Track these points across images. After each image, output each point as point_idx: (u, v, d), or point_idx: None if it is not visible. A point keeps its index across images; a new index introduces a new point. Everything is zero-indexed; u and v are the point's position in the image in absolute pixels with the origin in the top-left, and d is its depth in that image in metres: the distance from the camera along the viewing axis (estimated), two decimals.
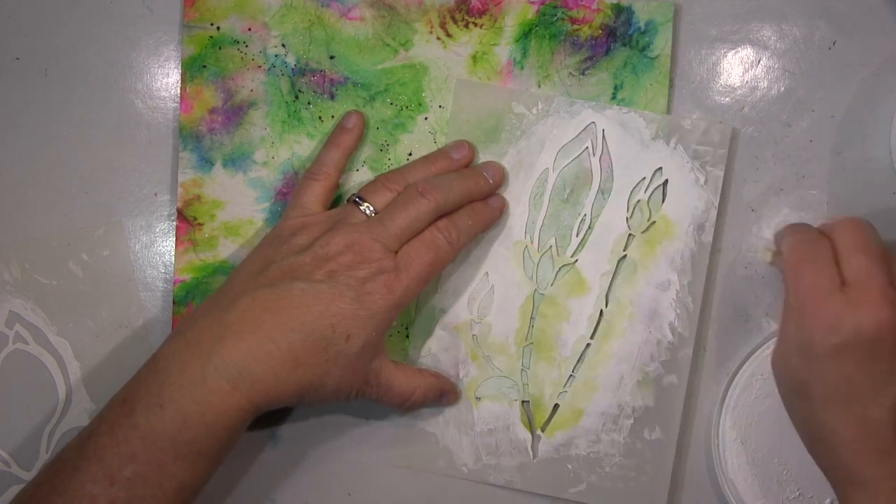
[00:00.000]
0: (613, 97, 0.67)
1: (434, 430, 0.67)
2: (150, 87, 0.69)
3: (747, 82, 0.67)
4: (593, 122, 0.67)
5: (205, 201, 0.68)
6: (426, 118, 0.67)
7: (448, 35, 0.68)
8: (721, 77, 0.67)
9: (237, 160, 0.68)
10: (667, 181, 0.66)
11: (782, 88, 0.67)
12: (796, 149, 0.67)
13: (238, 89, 0.68)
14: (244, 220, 0.68)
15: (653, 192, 0.66)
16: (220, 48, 0.68)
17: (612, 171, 0.67)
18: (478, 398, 0.67)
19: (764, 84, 0.67)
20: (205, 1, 0.68)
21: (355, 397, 0.61)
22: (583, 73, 0.67)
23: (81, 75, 0.69)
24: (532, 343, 0.67)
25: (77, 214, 0.68)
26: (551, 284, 0.67)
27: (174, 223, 0.68)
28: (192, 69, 0.68)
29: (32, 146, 0.68)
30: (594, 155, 0.67)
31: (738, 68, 0.67)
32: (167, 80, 0.69)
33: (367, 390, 0.61)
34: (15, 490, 0.67)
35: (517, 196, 0.67)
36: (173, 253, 0.68)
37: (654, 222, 0.66)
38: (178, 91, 0.68)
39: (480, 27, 0.67)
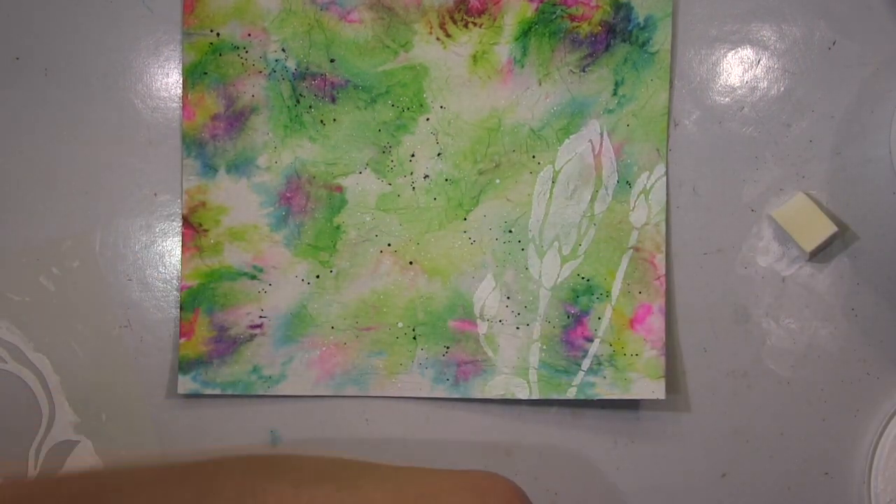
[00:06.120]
0: (614, 93, 0.67)
1: None
2: (150, 87, 0.69)
3: (747, 82, 0.67)
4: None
5: (209, 207, 0.68)
6: (428, 119, 0.68)
7: (447, 35, 0.68)
8: (721, 77, 0.68)
9: (240, 166, 0.68)
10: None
11: (782, 88, 0.67)
12: (796, 149, 0.67)
13: (239, 95, 0.68)
14: (249, 226, 0.68)
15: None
16: (220, 54, 0.68)
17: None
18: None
19: (764, 84, 0.67)
20: (204, 7, 0.67)
21: None
22: (583, 70, 0.67)
23: (81, 75, 0.68)
24: (539, 341, 0.67)
25: (77, 214, 0.68)
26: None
27: (174, 223, 0.68)
28: (193, 76, 0.68)
29: (32, 146, 0.68)
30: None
31: (738, 68, 0.67)
32: (167, 80, 0.69)
33: None
34: None
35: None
36: (173, 253, 0.68)
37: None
38: (178, 91, 0.68)
39: (480, 26, 0.67)
